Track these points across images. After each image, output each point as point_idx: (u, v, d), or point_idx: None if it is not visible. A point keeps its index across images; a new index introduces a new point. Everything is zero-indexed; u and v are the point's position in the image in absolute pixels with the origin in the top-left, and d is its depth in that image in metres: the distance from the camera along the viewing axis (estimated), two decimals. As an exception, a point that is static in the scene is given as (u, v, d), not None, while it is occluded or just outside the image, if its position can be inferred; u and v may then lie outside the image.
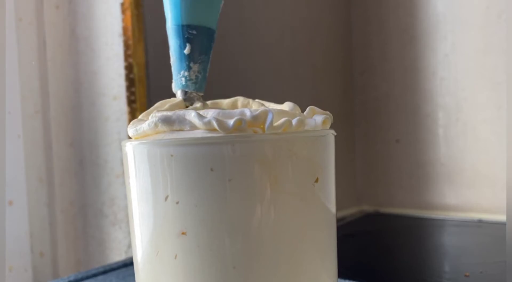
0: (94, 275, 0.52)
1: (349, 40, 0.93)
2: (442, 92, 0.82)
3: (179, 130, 0.26)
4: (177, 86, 0.32)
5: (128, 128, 0.28)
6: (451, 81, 0.81)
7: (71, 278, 0.51)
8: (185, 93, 0.31)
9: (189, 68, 0.31)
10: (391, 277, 0.53)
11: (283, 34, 0.78)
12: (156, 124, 0.26)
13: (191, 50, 0.30)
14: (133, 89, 0.58)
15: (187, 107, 0.31)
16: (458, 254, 0.61)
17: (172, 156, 0.25)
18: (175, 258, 0.25)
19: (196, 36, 0.30)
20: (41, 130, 0.62)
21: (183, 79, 0.31)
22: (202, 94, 0.32)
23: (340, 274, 0.47)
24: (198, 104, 0.31)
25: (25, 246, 0.59)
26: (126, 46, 0.58)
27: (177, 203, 0.25)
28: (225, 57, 0.68)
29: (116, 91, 0.60)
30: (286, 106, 0.30)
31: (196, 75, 0.31)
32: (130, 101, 0.59)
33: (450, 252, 0.63)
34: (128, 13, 0.58)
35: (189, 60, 0.31)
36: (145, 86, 0.59)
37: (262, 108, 0.26)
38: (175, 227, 0.25)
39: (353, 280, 0.47)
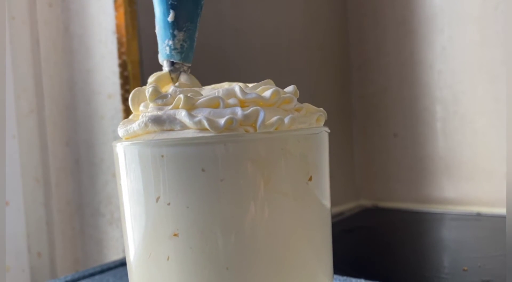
0: (91, 275, 0.52)
1: (345, 34, 0.92)
2: (440, 86, 0.82)
3: (170, 130, 0.26)
4: (162, 56, 0.30)
5: (118, 129, 0.28)
6: (448, 74, 0.81)
7: (68, 278, 0.51)
8: (171, 63, 0.30)
9: (173, 37, 0.29)
10: (389, 272, 0.53)
11: (279, 29, 0.78)
12: (146, 125, 0.26)
13: (175, 17, 0.29)
14: (127, 87, 0.58)
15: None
16: (456, 248, 0.61)
17: (162, 156, 0.25)
18: (168, 259, 0.25)
19: (180, 2, 0.29)
20: (36, 130, 0.62)
21: (168, 48, 0.30)
22: (189, 65, 0.31)
23: (339, 270, 0.47)
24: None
25: (22, 246, 0.59)
26: (120, 43, 0.58)
27: (169, 204, 0.25)
28: (220, 53, 0.67)
29: (111, 89, 0.60)
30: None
31: (181, 44, 0.29)
32: (125, 99, 0.58)
33: (448, 246, 0.63)
34: (121, 10, 0.57)
35: (173, 28, 0.29)
36: (140, 84, 0.58)
37: (253, 107, 0.25)
38: (167, 228, 0.25)
39: (352, 275, 0.47)
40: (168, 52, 0.30)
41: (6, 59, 0.58)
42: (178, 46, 0.29)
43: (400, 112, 0.87)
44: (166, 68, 0.30)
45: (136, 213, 0.26)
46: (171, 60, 0.30)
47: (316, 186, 0.27)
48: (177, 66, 0.30)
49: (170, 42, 0.29)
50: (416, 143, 0.85)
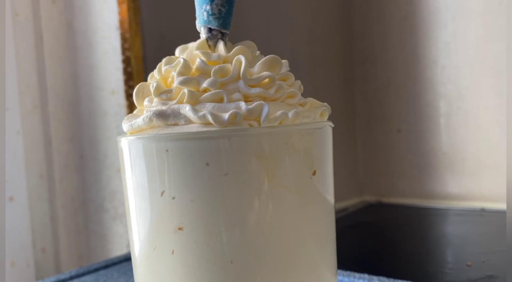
0: (96, 270, 0.52)
1: (349, 29, 0.92)
2: (443, 81, 0.82)
3: (174, 124, 0.26)
4: (199, 22, 0.29)
5: (123, 123, 0.28)
6: (452, 69, 0.81)
7: (73, 273, 0.51)
8: (209, 30, 0.28)
9: (211, 1, 0.28)
10: (393, 267, 0.53)
11: (282, 24, 0.78)
12: (150, 119, 0.26)
13: None
14: (131, 83, 0.58)
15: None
16: (460, 243, 0.61)
17: (167, 150, 0.25)
18: (172, 253, 0.25)
19: None
20: (40, 126, 0.62)
21: (205, 14, 0.28)
22: (227, 32, 0.29)
23: (342, 265, 0.47)
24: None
25: (27, 241, 0.59)
26: (123, 39, 0.58)
27: (173, 198, 0.25)
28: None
29: (114, 85, 0.60)
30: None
31: (219, 9, 0.28)
32: (129, 95, 0.58)
33: (452, 241, 0.63)
34: (125, 6, 0.57)
35: None
36: (143, 80, 0.59)
37: (257, 101, 0.25)
38: (171, 222, 0.25)
39: (355, 271, 0.47)
40: (205, 18, 0.28)
41: (10, 55, 0.58)
42: (216, 11, 0.28)
43: (403, 108, 0.87)
44: (203, 35, 0.29)
45: (141, 207, 0.26)
46: (209, 26, 0.28)
47: (320, 180, 0.27)
48: (214, 33, 0.29)
49: (208, 7, 0.28)
50: (420, 138, 0.85)
